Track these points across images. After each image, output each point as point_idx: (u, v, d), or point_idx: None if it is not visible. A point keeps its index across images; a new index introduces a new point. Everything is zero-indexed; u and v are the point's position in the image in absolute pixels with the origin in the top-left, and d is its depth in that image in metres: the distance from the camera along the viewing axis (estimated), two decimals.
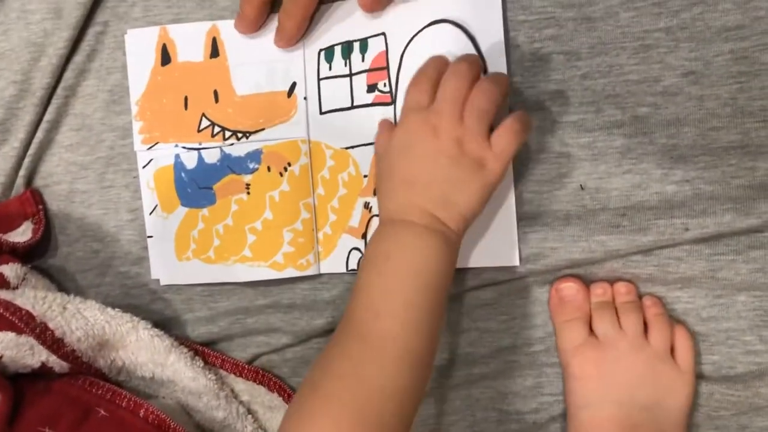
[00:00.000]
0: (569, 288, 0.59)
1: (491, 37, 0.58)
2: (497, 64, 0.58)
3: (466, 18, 0.59)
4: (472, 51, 0.58)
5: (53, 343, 0.53)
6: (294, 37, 0.61)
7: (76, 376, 0.56)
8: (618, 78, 0.56)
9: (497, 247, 0.59)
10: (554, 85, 0.58)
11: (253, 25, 0.62)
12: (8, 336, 0.52)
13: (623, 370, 0.57)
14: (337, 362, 0.49)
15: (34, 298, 0.54)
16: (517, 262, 0.59)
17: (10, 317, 0.52)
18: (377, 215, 0.61)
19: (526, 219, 0.59)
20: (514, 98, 0.58)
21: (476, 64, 0.54)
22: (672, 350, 0.57)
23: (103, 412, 0.54)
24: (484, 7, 0.58)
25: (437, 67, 0.54)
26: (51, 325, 0.53)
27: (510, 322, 0.62)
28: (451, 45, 0.59)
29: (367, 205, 0.62)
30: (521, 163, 0.59)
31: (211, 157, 0.64)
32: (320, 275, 0.64)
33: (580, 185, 0.58)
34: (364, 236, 0.62)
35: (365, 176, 0.62)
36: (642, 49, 0.56)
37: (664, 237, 0.56)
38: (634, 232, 0.57)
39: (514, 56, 0.58)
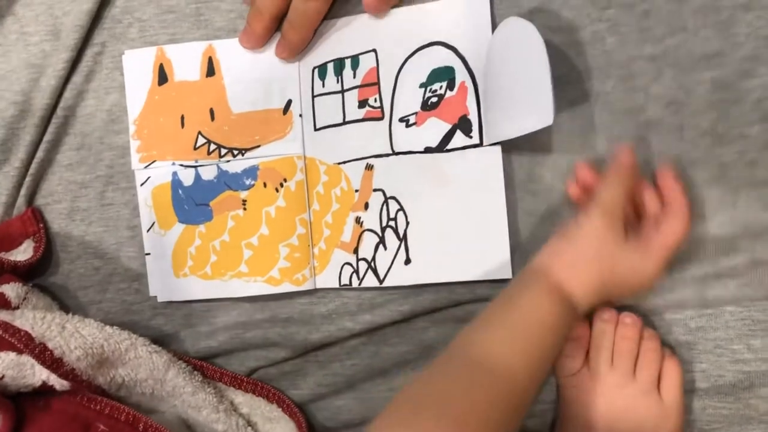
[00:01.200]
0: None
1: (482, 57, 0.58)
2: None
3: (458, 39, 0.59)
4: (464, 71, 0.59)
5: (53, 362, 0.54)
6: (297, 49, 0.62)
7: (76, 393, 0.56)
8: (604, 106, 0.57)
9: (490, 261, 0.59)
10: None
11: (260, 41, 0.63)
12: (9, 356, 0.53)
13: (605, 403, 0.57)
14: (461, 387, 0.48)
15: (33, 318, 0.55)
16: (509, 275, 0.59)
17: (9, 338, 0.53)
18: (368, 230, 0.62)
19: (516, 239, 0.59)
20: None
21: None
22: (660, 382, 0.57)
23: (102, 427, 0.54)
24: (474, 29, 0.59)
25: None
26: (50, 345, 0.54)
27: None
28: (444, 65, 0.59)
29: (358, 220, 0.62)
30: (512, 190, 0.59)
31: (208, 173, 0.65)
32: (316, 290, 0.65)
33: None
34: (355, 251, 0.62)
35: (356, 191, 0.62)
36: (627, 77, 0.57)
37: None
38: None
39: None
